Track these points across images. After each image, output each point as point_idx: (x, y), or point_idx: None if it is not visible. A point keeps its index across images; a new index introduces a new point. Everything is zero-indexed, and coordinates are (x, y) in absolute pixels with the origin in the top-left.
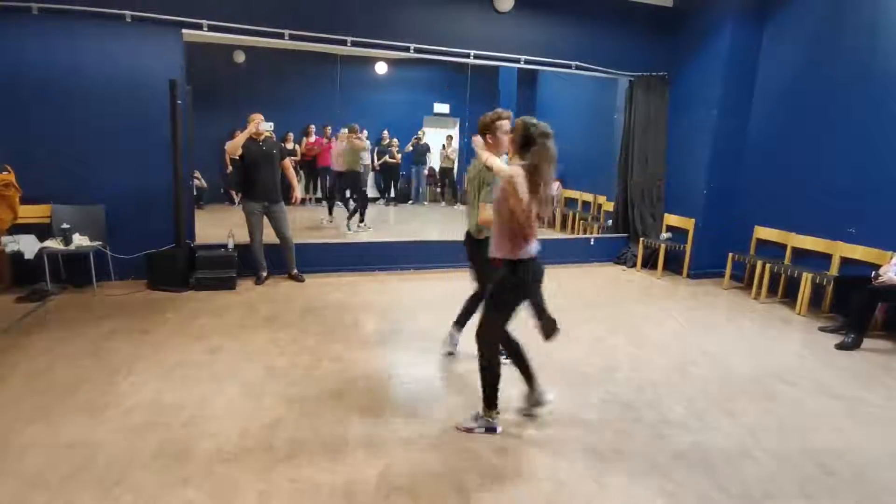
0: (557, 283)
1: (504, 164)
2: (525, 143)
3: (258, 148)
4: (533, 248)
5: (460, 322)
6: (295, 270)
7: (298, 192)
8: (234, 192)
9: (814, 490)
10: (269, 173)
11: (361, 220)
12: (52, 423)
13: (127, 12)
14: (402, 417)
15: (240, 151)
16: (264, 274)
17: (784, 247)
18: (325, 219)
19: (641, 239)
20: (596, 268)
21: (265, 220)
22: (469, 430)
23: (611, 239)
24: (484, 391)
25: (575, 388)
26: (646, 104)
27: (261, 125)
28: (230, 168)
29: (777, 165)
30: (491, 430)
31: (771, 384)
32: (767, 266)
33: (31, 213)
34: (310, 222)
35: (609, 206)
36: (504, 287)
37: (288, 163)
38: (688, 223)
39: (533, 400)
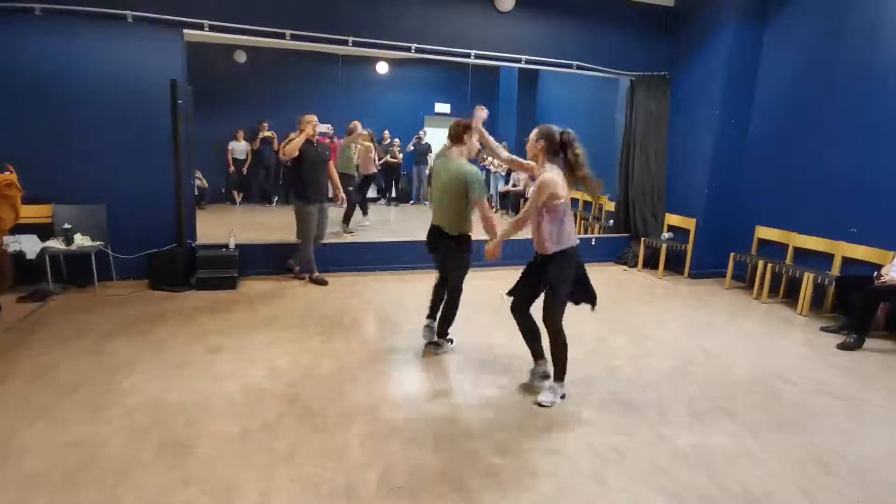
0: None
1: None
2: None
3: (315, 150)
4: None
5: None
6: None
7: (342, 192)
8: (235, 193)
9: (815, 490)
10: (323, 175)
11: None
12: (54, 422)
13: (128, 12)
14: (403, 417)
15: (296, 153)
16: (317, 273)
17: (786, 247)
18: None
19: (643, 239)
20: (597, 268)
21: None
22: (551, 405)
23: (612, 239)
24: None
25: (576, 387)
26: (647, 104)
27: (317, 127)
28: (231, 168)
29: (778, 165)
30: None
31: (772, 384)
32: (769, 266)
33: (33, 213)
34: None
35: (610, 206)
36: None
37: (332, 164)
38: (689, 223)
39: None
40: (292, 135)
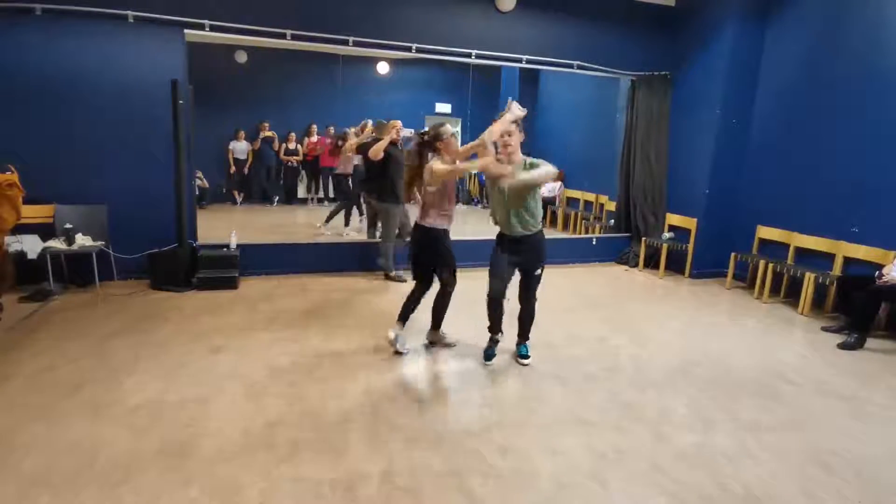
0: (560, 283)
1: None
2: None
3: (398, 153)
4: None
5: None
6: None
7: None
8: (235, 193)
9: (815, 490)
10: (402, 175)
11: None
12: (55, 422)
13: (129, 12)
14: (404, 417)
15: (381, 156)
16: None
17: (787, 246)
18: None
19: (643, 239)
20: (598, 268)
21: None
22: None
23: (613, 239)
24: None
25: (577, 387)
26: (648, 103)
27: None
28: (233, 168)
29: (779, 165)
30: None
31: (773, 384)
32: (770, 266)
33: (35, 213)
34: (310, 223)
35: (611, 206)
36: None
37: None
38: (690, 223)
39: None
40: (361, 136)
